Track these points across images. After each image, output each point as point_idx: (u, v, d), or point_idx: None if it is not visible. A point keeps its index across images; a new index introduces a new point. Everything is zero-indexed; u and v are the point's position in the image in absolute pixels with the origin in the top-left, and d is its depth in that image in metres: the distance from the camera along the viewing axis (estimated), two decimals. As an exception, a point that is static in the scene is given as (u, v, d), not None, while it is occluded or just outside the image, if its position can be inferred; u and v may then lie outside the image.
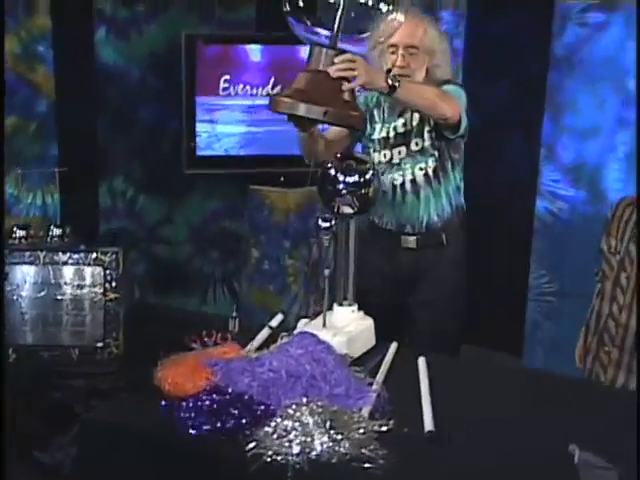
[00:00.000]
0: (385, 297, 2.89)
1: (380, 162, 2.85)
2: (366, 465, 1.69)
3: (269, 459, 1.68)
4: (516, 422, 1.98)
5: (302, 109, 2.22)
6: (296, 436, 1.73)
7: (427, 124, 2.79)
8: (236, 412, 1.84)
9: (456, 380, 2.22)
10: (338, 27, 2.25)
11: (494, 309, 4.32)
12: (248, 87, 4.23)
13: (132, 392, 2.18)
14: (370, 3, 2.27)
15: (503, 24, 4.25)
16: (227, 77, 4.25)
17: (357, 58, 2.29)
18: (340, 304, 2.40)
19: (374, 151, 2.86)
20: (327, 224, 2.24)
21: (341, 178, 2.31)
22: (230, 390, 1.94)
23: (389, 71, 2.54)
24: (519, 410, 2.06)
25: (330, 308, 2.40)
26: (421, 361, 2.27)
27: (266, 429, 1.75)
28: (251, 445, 1.72)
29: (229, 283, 5.09)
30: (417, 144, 2.83)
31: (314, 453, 1.70)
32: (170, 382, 2.02)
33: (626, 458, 1.73)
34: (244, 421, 1.82)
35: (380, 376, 2.14)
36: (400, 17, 2.44)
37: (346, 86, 2.27)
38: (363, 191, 2.31)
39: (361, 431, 1.79)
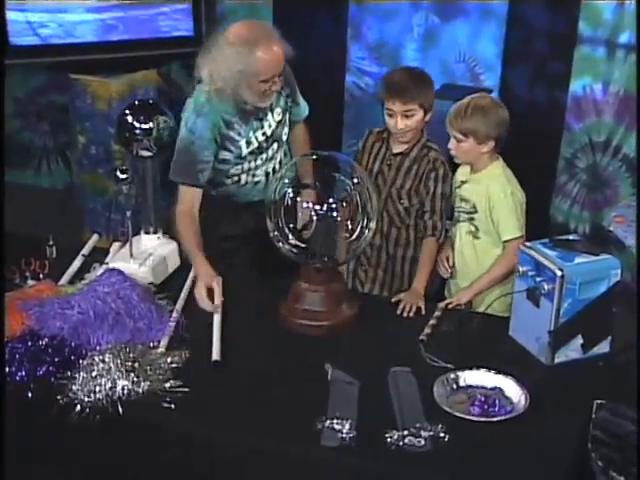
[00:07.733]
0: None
1: (256, 161, 2.85)
2: (163, 401, 2.06)
3: (79, 406, 2.03)
4: (288, 338, 2.39)
5: None
6: (102, 382, 2.08)
7: (284, 114, 2.89)
8: (48, 358, 2.16)
9: (249, 298, 2.57)
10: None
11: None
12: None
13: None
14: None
15: None
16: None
17: None
18: (146, 232, 2.70)
19: (249, 161, 2.83)
20: (124, 175, 2.50)
21: (137, 125, 2.55)
22: (43, 334, 2.25)
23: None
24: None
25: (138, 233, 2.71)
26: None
27: (75, 380, 2.09)
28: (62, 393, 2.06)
29: (62, 153, 5.22)
30: (286, 133, 2.93)
31: (116, 396, 2.06)
32: (-9, 327, 2.31)
33: (367, 374, 2.18)
34: (56, 366, 2.14)
35: (179, 303, 2.49)
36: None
37: None
38: (157, 135, 2.56)
39: (158, 370, 2.15)
